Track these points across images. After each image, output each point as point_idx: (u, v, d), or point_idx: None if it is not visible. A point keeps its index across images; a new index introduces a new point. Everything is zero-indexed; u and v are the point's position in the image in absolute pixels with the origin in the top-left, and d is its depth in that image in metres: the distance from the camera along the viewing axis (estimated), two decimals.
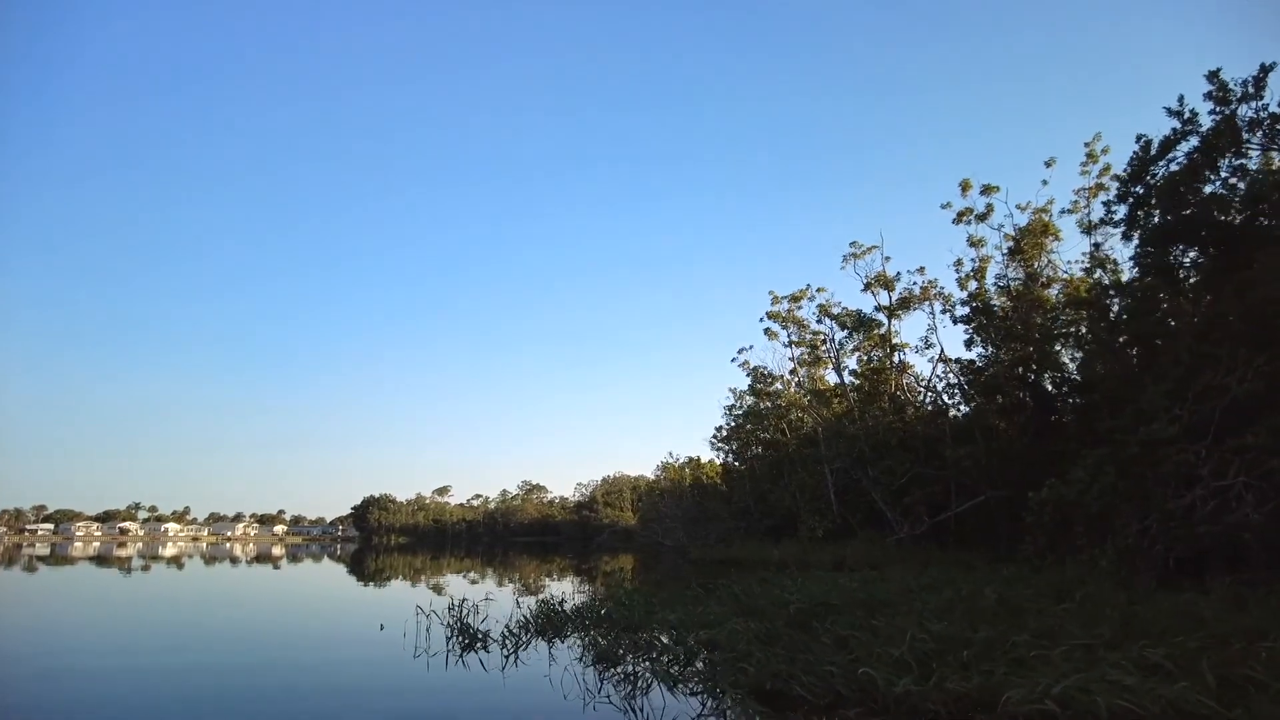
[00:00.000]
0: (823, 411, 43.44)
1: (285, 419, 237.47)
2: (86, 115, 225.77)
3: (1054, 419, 33.68)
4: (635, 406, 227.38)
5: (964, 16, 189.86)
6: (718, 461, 67.88)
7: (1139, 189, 20.06)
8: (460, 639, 12.16)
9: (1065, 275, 35.86)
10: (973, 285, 38.71)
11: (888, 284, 41.41)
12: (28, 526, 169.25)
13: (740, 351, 49.88)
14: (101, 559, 56.68)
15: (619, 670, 9.72)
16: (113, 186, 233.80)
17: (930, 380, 41.76)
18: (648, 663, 9.80)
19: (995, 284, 37.87)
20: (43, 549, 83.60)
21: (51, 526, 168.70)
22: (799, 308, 46.33)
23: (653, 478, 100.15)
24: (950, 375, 40.92)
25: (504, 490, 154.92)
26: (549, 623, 12.90)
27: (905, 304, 40.94)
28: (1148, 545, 17.92)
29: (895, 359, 42.52)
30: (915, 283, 41.12)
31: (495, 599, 15.99)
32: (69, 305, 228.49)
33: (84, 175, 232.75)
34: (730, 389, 53.14)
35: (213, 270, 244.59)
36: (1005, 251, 37.61)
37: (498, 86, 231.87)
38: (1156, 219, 19.86)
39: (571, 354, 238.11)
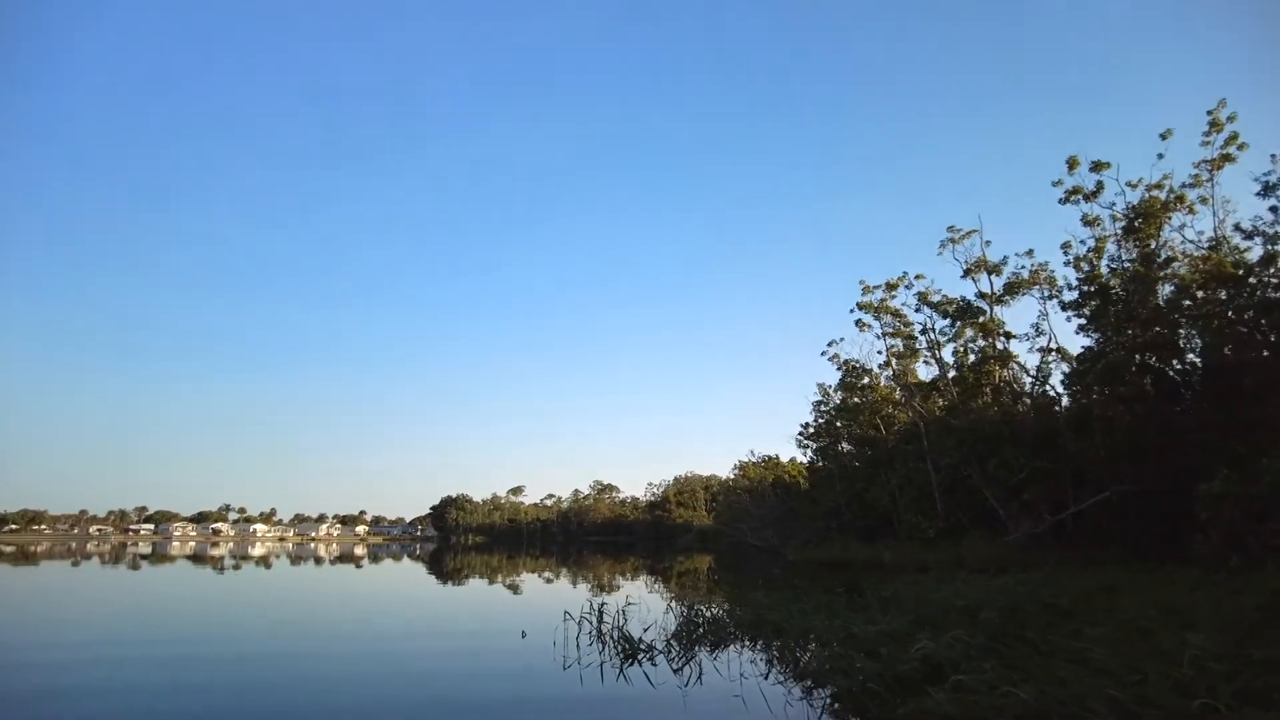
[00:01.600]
0: (925, 405, 40.91)
1: (366, 422, 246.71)
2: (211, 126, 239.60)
3: (1179, 409, 30.88)
4: (704, 408, 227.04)
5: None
6: (800, 460, 65.59)
7: None
8: (619, 649, 10.74)
9: (1189, 253, 32.69)
10: (1086, 267, 35.75)
11: (993, 269, 38.68)
12: (131, 526, 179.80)
13: (830, 344, 47.66)
14: (197, 558, 58.65)
15: (830, 690, 8.20)
16: (209, 202, 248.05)
17: (1039, 369, 38.83)
18: (863, 683, 8.20)
19: (1109, 266, 35.03)
20: (145, 548, 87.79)
21: (152, 526, 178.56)
22: (893, 297, 43.87)
23: (725, 477, 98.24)
24: (1062, 364, 38.08)
25: (576, 490, 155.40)
26: (710, 630, 11.40)
27: (1013, 289, 38.09)
28: None
29: (999, 347, 39.64)
30: (1023, 266, 38.28)
31: (638, 602, 14.51)
32: (168, 324, 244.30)
33: (171, 191, 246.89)
34: (818, 384, 50.93)
35: (296, 285, 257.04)
36: (1119, 231, 34.70)
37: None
38: None
39: (641, 358, 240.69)
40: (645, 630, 11.56)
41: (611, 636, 11.25)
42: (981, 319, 39.50)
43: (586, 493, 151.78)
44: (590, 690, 9.04)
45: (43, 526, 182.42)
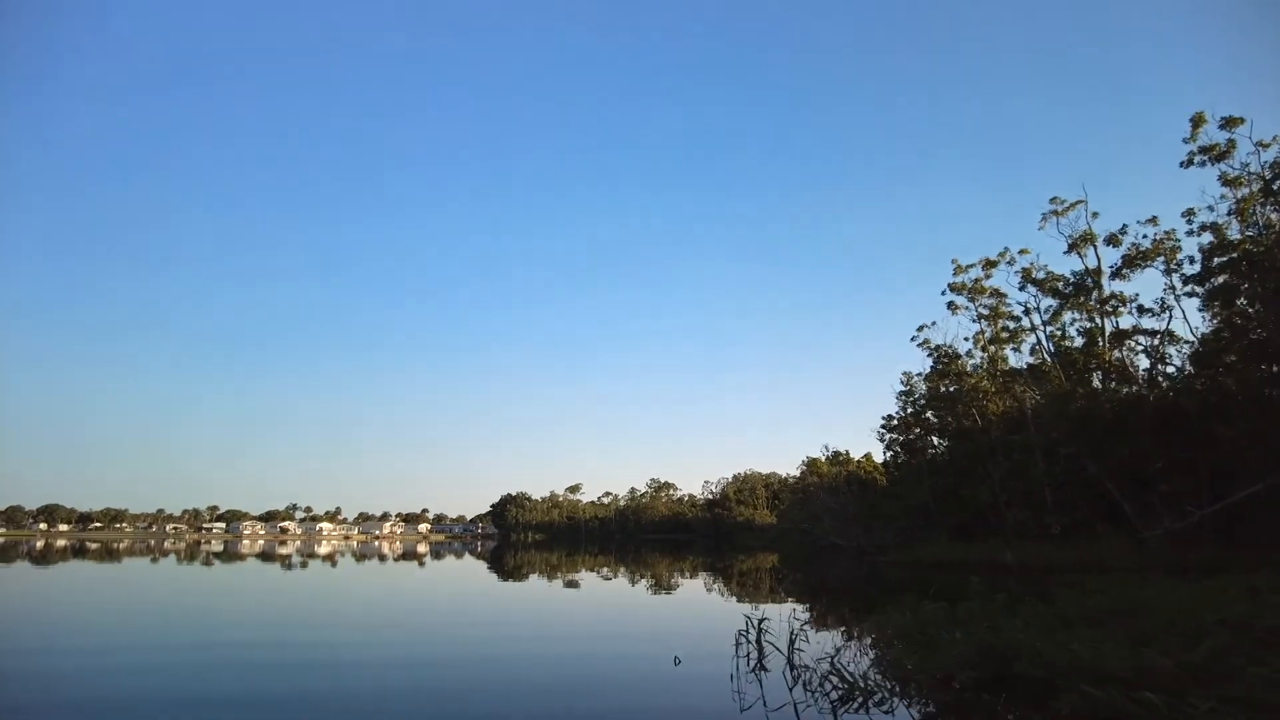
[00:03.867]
0: (1032, 390, 37.44)
1: (428, 422, 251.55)
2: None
3: None
4: (764, 405, 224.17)
5: None
6: (874, 456, 62.27)
7: None
8: (829, 687, 8.05)
9: None
10: (1223, 233, 32.22)
11: (1111, 239, 35.13)
12: (204, 525, 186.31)
13: (920, 329, 44.43)
14: (266, 555, 58.82)
15: None
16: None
17: (1157, 349, 35.07)
18: None
19: (1247, 233, 31.73)
20: (217, 545, 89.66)
21: (223, 525, 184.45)
22: (989, 276, 40.47)
23: (786, 475, 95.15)
24: (1170, 345, 34.56)
25: (633, 488, 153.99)
26: (930, 658, 8.59)
27: (1133, 261, 34.40)
28: None
29: (1119, 325, 36.06)
30: (1144, 236, 34.57)
31: (802, 618, 11.81)
32: (246, 335, 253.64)
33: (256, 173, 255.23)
34: (903, 373, 47.56)
35: (355, 288, 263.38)
36: (1255, 192, 31.43)
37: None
38: None
39: (697, 353, 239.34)
40: (854, 664, 8.98)
41: (811, 671, 8.54)
42: (1096, 295, 35.97)
43: (644, 491, 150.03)
44: None
45: (124, 525, 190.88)
